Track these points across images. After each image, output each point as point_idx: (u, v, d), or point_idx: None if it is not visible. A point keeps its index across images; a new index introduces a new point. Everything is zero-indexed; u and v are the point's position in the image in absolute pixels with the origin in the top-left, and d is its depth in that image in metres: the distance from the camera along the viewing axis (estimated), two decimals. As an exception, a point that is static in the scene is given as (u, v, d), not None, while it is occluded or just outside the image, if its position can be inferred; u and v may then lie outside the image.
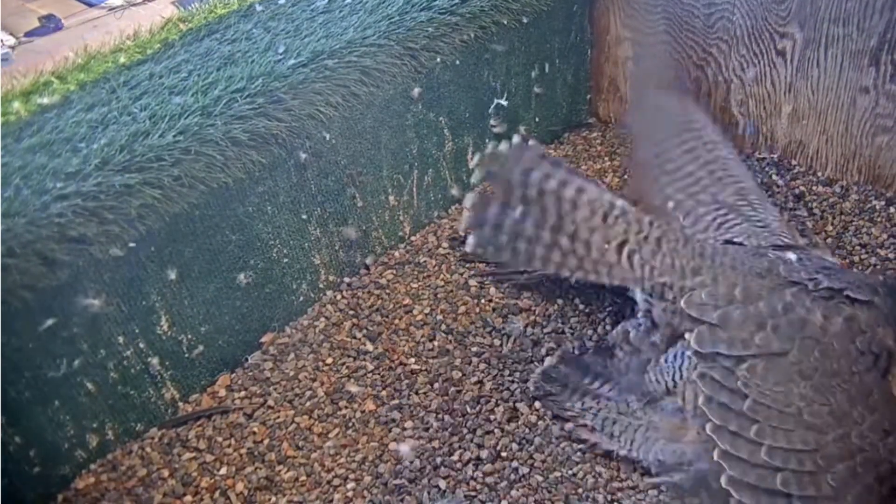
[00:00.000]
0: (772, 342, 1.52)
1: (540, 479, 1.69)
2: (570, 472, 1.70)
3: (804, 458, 1.39)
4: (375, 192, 2.18)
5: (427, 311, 2.09)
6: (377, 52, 2.00)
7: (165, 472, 1.74)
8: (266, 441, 1.80)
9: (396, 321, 2.08)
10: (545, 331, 2.02)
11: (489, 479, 1.69)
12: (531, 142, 1.71)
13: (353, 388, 1.90)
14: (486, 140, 2.43)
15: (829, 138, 2.38)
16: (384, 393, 1.90)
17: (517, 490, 1.67)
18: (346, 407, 1.87)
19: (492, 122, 2.42)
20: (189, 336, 1.84)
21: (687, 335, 1.59)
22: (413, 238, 2.34)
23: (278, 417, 1.85)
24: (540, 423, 1.80)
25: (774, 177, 2.45)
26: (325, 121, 1.93)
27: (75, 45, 2.05)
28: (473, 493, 1.67)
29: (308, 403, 1.88)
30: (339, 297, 2.15)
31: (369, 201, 2.17)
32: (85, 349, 1.64)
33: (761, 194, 2.01)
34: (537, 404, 1.83)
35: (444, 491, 1.67)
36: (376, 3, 2.12)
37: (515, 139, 1.70)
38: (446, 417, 1.83)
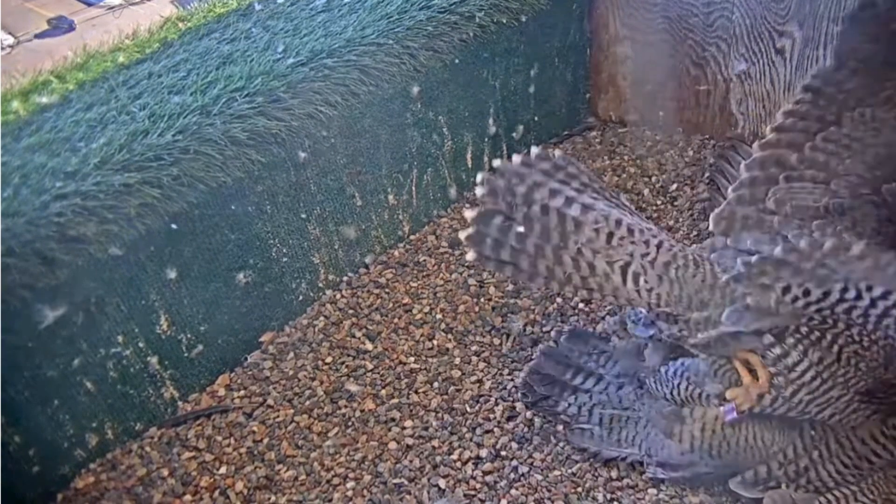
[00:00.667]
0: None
1: (539, 477, 1.69)
2: (569, 470, 1.70)
3: None
4: (375, 191, 2.18)
5: (426, 310, 2.09)
6: (376, 51, 2.00)
7: (165, 472, 1.74)
8: (265, 440, 1.80)
9: (396, 320, 2.08)
10: (544, 330, 2.02)
11: (488, 478, 1.69)
12: (541, 152, 1.60)
13: (353, 387, 1.90)
14: (486, 139, 2.44)
15: (828, 137, 2.37)
16: (384, 392, 1.90)
17: (516, 489, 1.67)
18: (346, 406, 1.87)
19: (491, 120, 2.42)
20: (188, 335, 1.84)
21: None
22: (412, 237, 2.34)
23: (278, 416, 1.85)
24: (539, 421, 1.80)
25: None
26: (324, 120, 1.93)
27: (74, 44, 2.05)
28: (473, 492, 1.67)
29: (307, 402, 1.88)
30: (338, 296, 2.15)
31: (368, 200, 2.17)
32: (84, 348, 1.64)
33: None
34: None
35: (444, 490, 1.68)
36: (375, 2, 2.12)
37: (524, 153, 1.60)
38: (446, 416, 1.83)
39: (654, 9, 2.49)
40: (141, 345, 1.75)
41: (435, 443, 1.77)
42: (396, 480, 1.70)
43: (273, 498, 1.69)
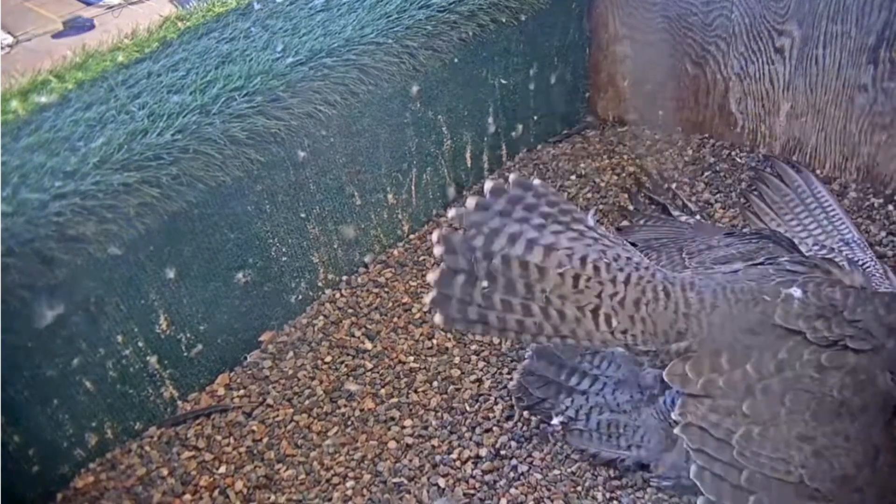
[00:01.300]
0: (761, 409, 1.42)
1: (539, 477, 1.69)
2: (569, 469, 1.70)
3: None
4: (374, 190, 2.18)
5: (426, 309, 2.09)
6: (375, 51, 2.00)
7: (164, 471, 1.74)
8: (265, 439, 1.80)
9: (395, 319, 2.08)
10: (544, 329, 2.02)
11: (488, 478, 1.69)
12: (494, 185, 1.50)
13: (352, 387, 1.90)
14: (485, 138, 2.44)
15: (827, 136, 2.37)
16: (383, 391, 1.90)
17: (516, 488, 1.67)
18: (346, 405, 1.87)
19: (490, 119, 2.42)
20: (188, 335, 1.84)
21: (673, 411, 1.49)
22: (412, 236, 2.34)
23: (277, 416, 1.85)
24: (537, 421, 1.80)
25: (773, 174, 2.45)
26: (323, 119, 1.93)
27: (73, 43, 2.05)
28: (472, 491, 1.67)
29: (307, 402, 1.88)
30: (337, 295, 2.15)
31: (368, 200, 2.17)
32: (84, 348, 1.64)
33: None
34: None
35: (444, 489, 1.68)
36: (374, 1, 2.12)
37: (478, 194, 1.51)
38: (445, 415, 1.83)
39: (654, 8, 2.49)
40: (140, 344, 1.75)
41: (434, 442, 1.78)
42: (396, 479, 1.70)
43: (273, 497, 1.69)
